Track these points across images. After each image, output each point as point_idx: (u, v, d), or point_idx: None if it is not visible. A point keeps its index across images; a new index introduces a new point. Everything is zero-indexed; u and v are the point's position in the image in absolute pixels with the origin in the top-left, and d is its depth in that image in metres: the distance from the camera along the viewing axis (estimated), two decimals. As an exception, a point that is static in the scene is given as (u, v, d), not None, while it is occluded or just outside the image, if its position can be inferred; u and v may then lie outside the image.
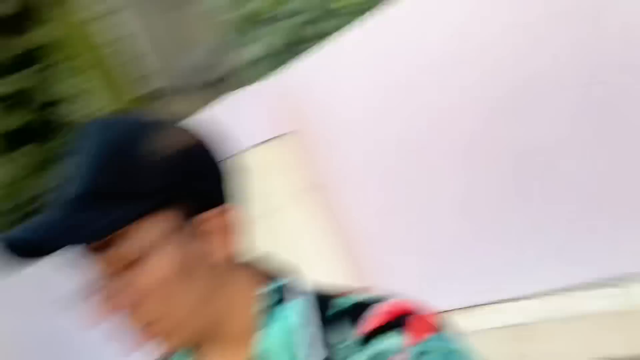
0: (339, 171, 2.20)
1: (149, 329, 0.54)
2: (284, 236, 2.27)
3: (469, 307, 1.93)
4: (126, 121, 0.58)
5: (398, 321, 0.53)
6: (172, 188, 0.54)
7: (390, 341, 0.52)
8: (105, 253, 0.52)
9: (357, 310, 0.56)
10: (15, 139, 4.38)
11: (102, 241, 0.51)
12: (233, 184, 0.60)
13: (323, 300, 0.59)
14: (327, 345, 0.56)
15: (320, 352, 0.55)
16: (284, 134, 2.21)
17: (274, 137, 2.21)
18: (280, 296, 0.59)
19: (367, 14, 1.94)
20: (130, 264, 0.52)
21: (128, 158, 0.53)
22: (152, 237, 0.53)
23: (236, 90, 2.31)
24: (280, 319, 0.58)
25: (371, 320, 0.54)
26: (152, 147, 0.54)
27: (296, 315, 0.58)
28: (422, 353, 0.51)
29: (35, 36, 3.81)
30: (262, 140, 2.20)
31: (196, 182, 0.56)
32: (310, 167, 2.23)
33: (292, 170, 2.24)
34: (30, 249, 0.48)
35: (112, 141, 0.54)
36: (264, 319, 0.58)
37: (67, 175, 0.54)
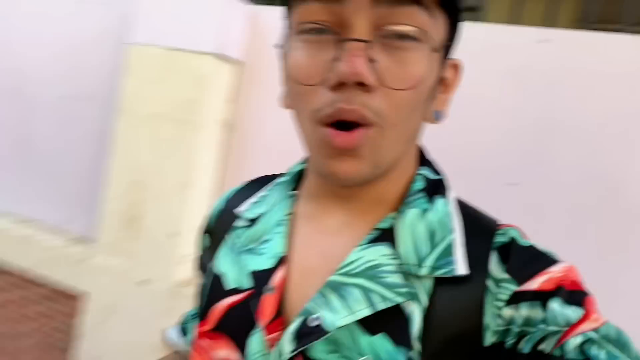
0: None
1: (359, 131, 0.46)
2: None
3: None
4: None
5: (575, 295, 0.47)
6: (461, 15, 0.51)
7: (567, 312, 0.45)
8: (392, 8, 0.45)
9: (518, 251, 0.50)
10: None
11: None
12: None
13: (469, 214, 0.54)
14: (469, 264, 0.49)
15: (462, 267, 0.49)
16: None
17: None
18: (434, 187, 0.54)
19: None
20: (400, 40, 0.46)
21: None
22: (438, 34, 0.48)
23: None
24: (426, 208, 0.52)
25: (543, 278, 0.48)
26: None
27: (439, 215, 0.52)
28: (604, 337, 0.44)
29: None
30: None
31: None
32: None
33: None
34: None
35: None
36: (413, 199, 0.53)
37: None
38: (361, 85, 0.44)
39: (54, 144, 2.43)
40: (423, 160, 0.57)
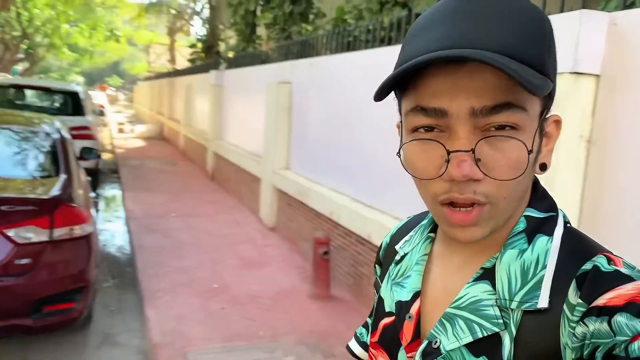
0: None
1: (475, 210, 0.55)
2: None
3: None
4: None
5: None
6: (555, 79, 0.57)
7: (635, 324, 0.48)
8: (488, 116, 0.53)
9: (595, 276, 0.53)
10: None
11: (500, 102, 0.52)
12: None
13: (570, 248, 0.58)
14: (552, 293, 0.55)
15: (544, 300, 0.55)
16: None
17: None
18: (536, 227, 0.59)
19: None
20: (501, 134, 0.53)
21: (547, 35, 0.56)
22: (534, 115, 0.55)
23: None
24: (524, 248, 0.58)
25: (611, 295, 0.51)
26: (550, 30, 0.57)
27: (537, 253, 0.58)
28: None
29: None
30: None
31: (554, 80, 0.58)
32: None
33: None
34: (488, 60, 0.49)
35: (530, 12, 0.56)
36: (513, 240, 0.59)
37: (471, 24, 0.53)
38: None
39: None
40: (533, 199, 0.62)
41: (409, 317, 0.66)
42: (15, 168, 3.35)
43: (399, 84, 0.56)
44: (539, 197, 0.63)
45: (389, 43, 3.92)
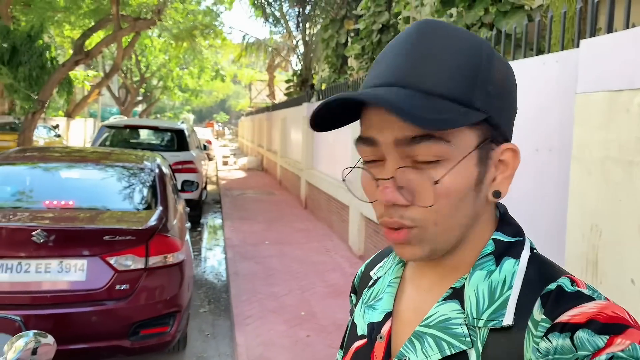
0: None
1: (403, 231, 0.60)
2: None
3: None
4: (463, 30, 0.62)
5: (610, 327, 0.52)
6: (497, 111, 0.61)
7: (596, 339, 0.51)
8: (411, 146, 0.57)
9: (558, 295, 0.56)
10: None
11: (420, 134, 0.56)
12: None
13: (536, 270, 0.61)
14: (517, 312, 0.58)
15: (508, 318, 0.58)
16: None
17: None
18: (504, 249, 0.62)
19: None
20: (426, 163, 0.58)
21: (481, 73, 0.59)
22: (464, 146, 0.59)
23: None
24: (492, 270, 0.61)
25: (574, 312, 0.54)
26: (496, 67, 0.61)
27: (504, 275, 0.61)
28: (631, 356, 0.50)
29: None
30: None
31: (510, 112, 0.63)
32: None
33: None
34: (388, 106, 0.53)
35: (457, 45, 0.59)
36: (482, 262, 0.62)
37: (402, 61, 0.59)
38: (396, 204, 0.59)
39: (530, 192, 2.76)
40: (500, 224, 0.65)
41: (380, 337, 0.69)
42: (119, 201, 3.69)
43: (353, 115, 0.63)
44: (506, 222, 0.66)
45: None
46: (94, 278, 3.04)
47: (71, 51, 14.92)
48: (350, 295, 0.85)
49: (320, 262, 5.97)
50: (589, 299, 0.55)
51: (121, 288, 3.06)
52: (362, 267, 0.85)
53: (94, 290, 3.03)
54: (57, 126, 19.93)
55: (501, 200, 0.65)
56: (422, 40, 0.60)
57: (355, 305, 0.81)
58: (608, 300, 0.56)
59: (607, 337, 0.51)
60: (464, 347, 0.59)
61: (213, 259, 6.81)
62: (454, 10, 5.09)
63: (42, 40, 14.69)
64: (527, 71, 2.81)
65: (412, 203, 0.59)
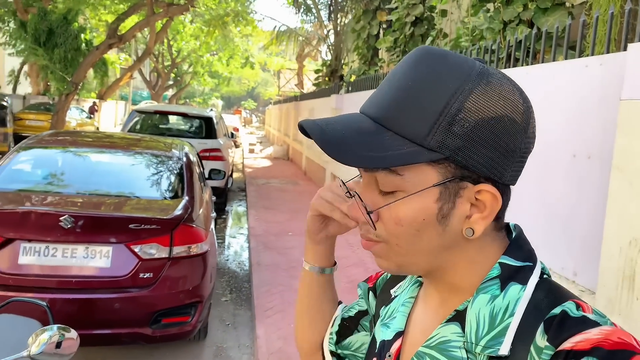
0: None
1: (371, 243, 0.65)
2: None
3: None
4: (452, 61, 0.59)
5: (615, 354, 0.51)
6: (463, 151, 0.58)
7: None
8: (372, 173, 0.62)
9: (562, 320, 0.55)
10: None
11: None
12: (521, 165, 0.63)
13: (541, 295, 0.59)
14: (518, 338, 0.57)
15: (505, 347, 0.57)
16: None
17: None
18: (510, 274, 0.61)
19: None
20: (387, 191, 0.61)
21: (447, 113, 0.57)
22: (420, 181, 0.59)
23: None
24: (496, 294, 0.60)
25: (578, 339, 0.52)
26: (477, 106, 0.57)
27: (508, 300, 0.60)
28: None
29: None
30: None
31: (489, 152, 0.59)
32: None
33: None
34: (327, 148, 0.60)
35: (428, 80, 0.59)
36: (486, 286, 0.62)
37: (381, 91, 0.62)
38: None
39: (565, 199, 2.66)
40: (509, 248, 0.64)
41: (389, 355, 0.70)
42: (146, 188, 3.72)
43: None
44: (517, 246, 0.65)
45: (514, 64, 3.70)
46: (118, 265, 3.07)
47: (105, 34, 15.13)
48: (368, 291, 0.87)
49: (343, 257, 5.94)
50: (594, 324, 0.54)
51: (144, 276, 3.08)
52: (389, 275, 0.85)
53: (118, 277, 3.06)
54: (94, 105, 20.28)
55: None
56: (404, 72, 0.61)
57: (375, 313, 0.84)
58: (615, 325, 0.54)
59: None
60: None
61: (236, 248, 6.85)
62: (490, 6, 4.95)
63: (77, 22, 14.94)
64: (567, 73, 2.70)
65: (374, 225, 0.63)
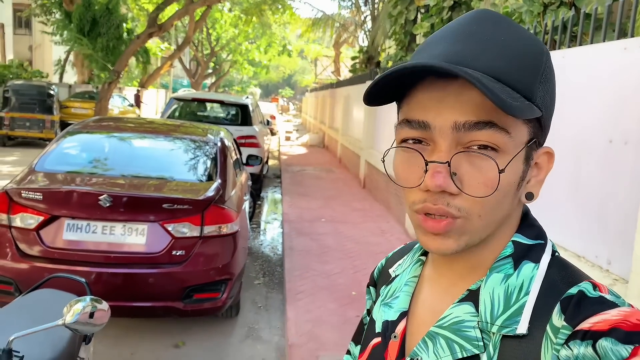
0: None
1: (445, 221, 0.57)
2: None
3: None
4: (525, 30, 0.60)
5: (634, 336, 0.49)
6: (547, 112, 0.60)
7: (619, 349, 0.49)
8: (470, 132, 0.55)
9: (579, 300, 0.54)
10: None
11: (483, 120, 0.55)
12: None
13: (556, 274, 0.58)
14: (533, 318, 0.56)
15: (523, 326, 0.56)
16: None
17: None
18: (523, 253, 0.60)
19: None
20: (482, 154, 0.55)
21: (543, 69, 0.59)
22: (519, 140, 0.57)
23: None
24: (509, 273, 0.59)
25: (596, 319, 0.51)
26: (551, 67, 0.61)
27: (522, 279, 0.59)
28: None
29: None
30: None
31: (551, 117, 0.62)
32: None
33: None
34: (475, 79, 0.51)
35: (523, 38, 0.58)
36: (499, 264, 0.60)
37: (464, 46, 0.56)
38: (444, 192, 0.56)
39: (599, 186, 2.59)
40: (521, 226, 0.63)
41: (394, 336, 0.68)
42: (182, 172, 3.85)
43: (397, 95, 0.61)
44: (528, 224, 0.64)
45: (554, 47, 3.60)
46: (153, 242, 3.24)
47: (146, 24, 15.47)
48: (369, 287, 0.84)
49: (375, 243, 5.95)
50: (612, 305, 0.53)
51: (177, 253, 3.25)
52: (383, 261, 0.83)
53: (153, 254, 3.24)
54: (138, 95, 20.82)
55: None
56: (486, 26, 0.58)
57: (375, 301, 0.80)
58: (632, 307, 0.53)
59: (632, 346, 0.49)
60: (476, 351, 0.58)
61: (270, 233, 6.96)
62: (530, -12, 4.79)
63: (119, 12, 15.33)
64: (605, 56, 2.61)
65: (461, 191, 0.56)
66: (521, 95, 0.56)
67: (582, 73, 2.77)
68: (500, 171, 0.55)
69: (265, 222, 7.51)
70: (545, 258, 0.60)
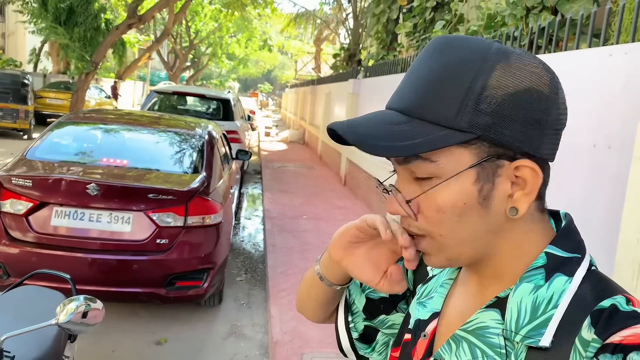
0: None
1: (418, 239, 0.64)
2: None
3: None
4: (470, 44, 0.59)
5: None
6: (494, 128, 0.57)
7: None
8: (407, 164, 0.61)
9: (611, 314, 0.53)
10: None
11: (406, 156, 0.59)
12: (557, 139, 0.61)
13: (589, 288, 0.58)
14: (561, 330, 0.56)
15: (547, 339, 0.56)
16: None
17: None
18: (557, 265, 0.60)
19: None
20: (423, 180, 0.61)
21: (472, 92, 0.57)
22: (455, 164, 0.59)
23: None
24: (540, 284, 0.59)
25: (627, 333, 0.51)
26: (489, 81, 0.57)
27: (552, 292, 0.58)
28: None
29: None
30: None
31: (520, 126, 0.58)
32: None
33: None
34: (358, 142, 0.58)
35: (449, 65, 0.59)
36: (530, 275, 0.60)
37: (405, 84, 0.62)
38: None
39: (583, 190, 2.65)
40: (557, 237, 0.62)
41: (424, 335, 0.70)
42: (168, 163, 3.93)
43: None
44: (565, 236, 0.63)
45: (536, 52, 3.66)
46: (138, 230, 3.34)
47: (125, 14, 15.19)
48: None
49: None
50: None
51: (161, 242, 3.35)
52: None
53: (137, 242, 3.34)
54: (115, 87, 20.44)
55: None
56: (424, 63, 0.61)
57: (414, 285, 0.83)
58: None
59: None
60: (498, 358, 0.59)
61: (251, 229, 6.93)
62: (514, -9, 4.86)
63: (97, 2, 15.00)
64: (590, 62, 2.67)
65: (416, 215, 0.62)
66: (441, 125, 0.58)
67: (567, 78, 2.82)
68: (408, 202, 0.62)
69: (246, 219, 7.48)
70: (580, 272, 0.59)
